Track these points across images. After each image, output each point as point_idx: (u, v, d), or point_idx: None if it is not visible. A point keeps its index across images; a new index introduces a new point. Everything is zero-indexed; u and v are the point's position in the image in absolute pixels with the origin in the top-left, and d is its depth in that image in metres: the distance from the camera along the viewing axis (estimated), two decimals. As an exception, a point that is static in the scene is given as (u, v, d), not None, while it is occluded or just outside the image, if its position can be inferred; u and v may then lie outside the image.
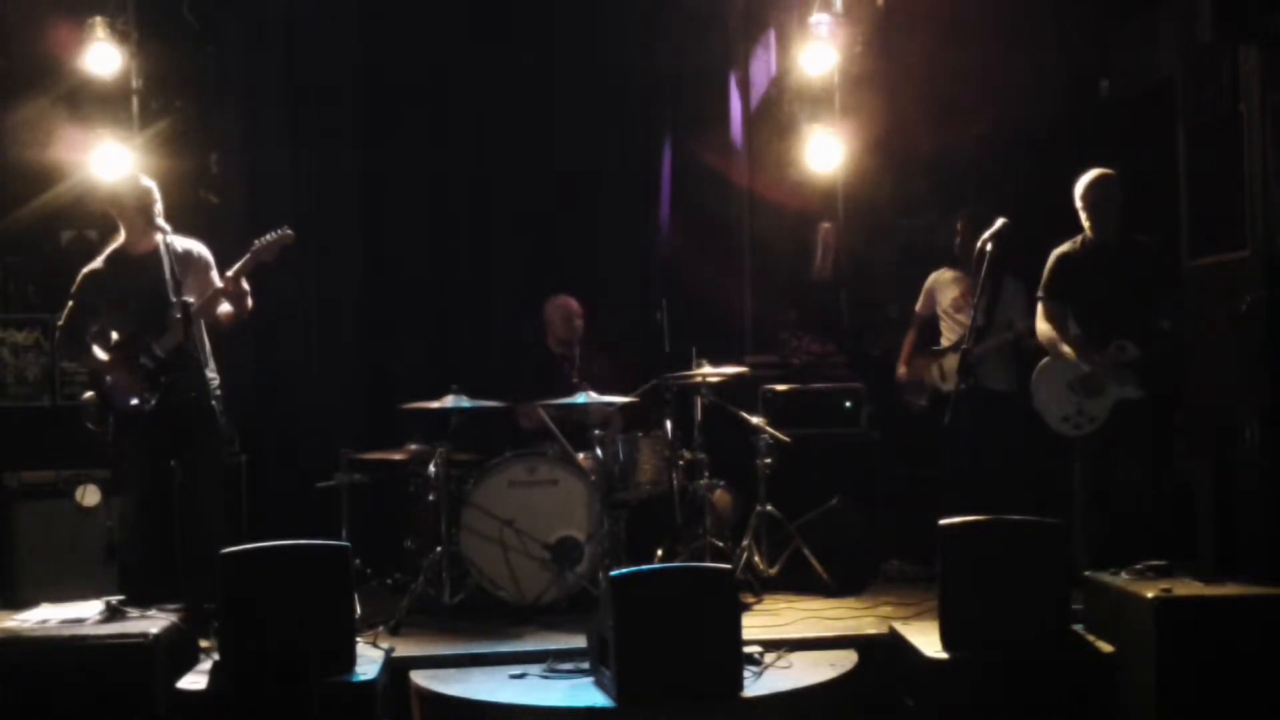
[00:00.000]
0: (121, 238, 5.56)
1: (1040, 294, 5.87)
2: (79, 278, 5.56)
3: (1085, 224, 5.71)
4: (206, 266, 5.56)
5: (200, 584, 5.05)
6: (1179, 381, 6.04)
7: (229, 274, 5.41)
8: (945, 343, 6.67)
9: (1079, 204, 5.69)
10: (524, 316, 7.05)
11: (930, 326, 6.81)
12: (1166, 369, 5.60)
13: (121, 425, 5.45)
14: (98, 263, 5.57)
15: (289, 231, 5.49)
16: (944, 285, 6.72)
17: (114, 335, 5.51)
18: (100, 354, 5.48)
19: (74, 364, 6.59)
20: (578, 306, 6.78)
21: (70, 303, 5.54)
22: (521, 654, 5.11)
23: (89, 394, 5.73)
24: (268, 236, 5.46)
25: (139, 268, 5.47)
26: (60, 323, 5.59)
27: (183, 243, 5.54)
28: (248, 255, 5.44)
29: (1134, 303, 5.59)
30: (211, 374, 5.53)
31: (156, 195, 5.50)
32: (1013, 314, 6.39)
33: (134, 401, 5.38)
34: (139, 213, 5.46)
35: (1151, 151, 6.49)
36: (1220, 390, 5.98)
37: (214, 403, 5.34)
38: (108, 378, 5.45)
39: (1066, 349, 5.70)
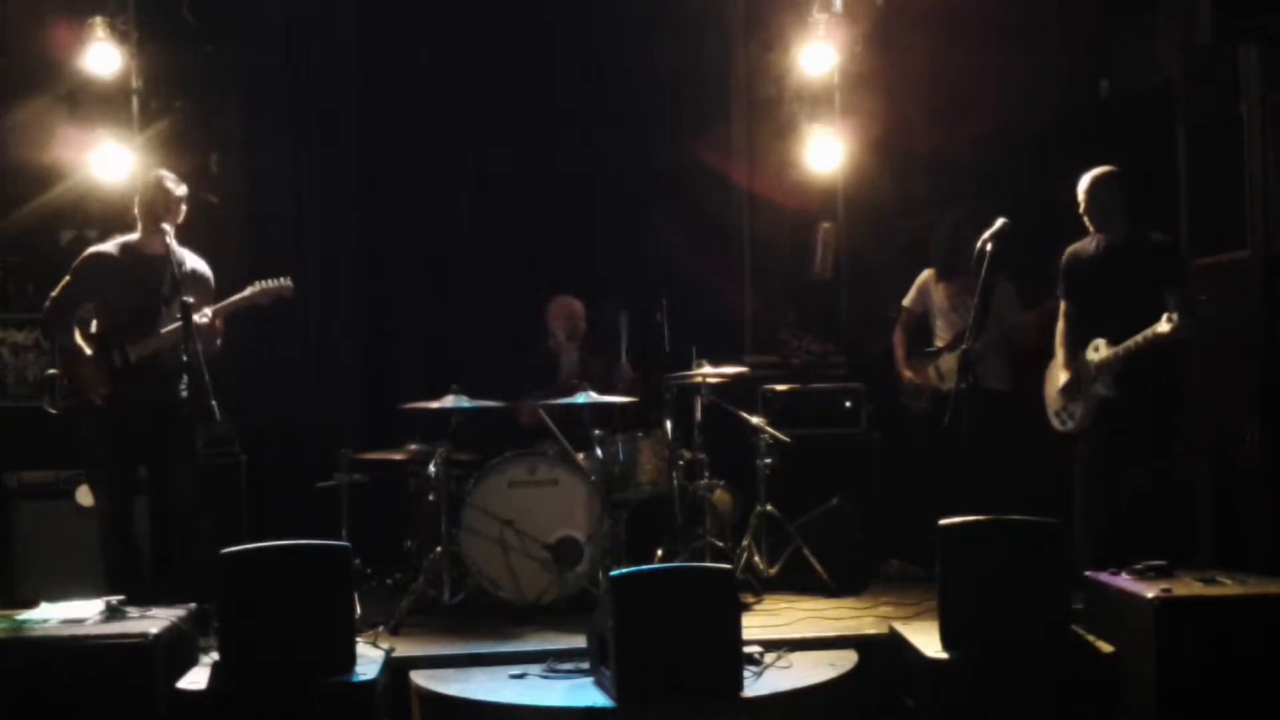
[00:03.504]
0: (137, 232, 5.56)
1: (1059, 293, 5.86)
2: (84, 255, 5.55)
3: (1089, 223, 5.69)
4: (208, 291, 5.52)
5: (181, 585, 5.06)
6: (1178, 381, 6.03)
7: (211, 311, 5.38)
8: (940, 343, 6.66)
9: (1081, 202, 5.67)
10: (524, 316, 7.05)
11: (919, 325, 6.79)
12: (1151, 368, 5.55)
13: (89, 421, 5.38)
14: (108, 246, 5.57)
15: (288, 283, 5.53)
16: (935, 285, 6.70)
17: (94, 324, 5.45)
18: (78, 339, 5.43)
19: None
20: (580, 307, 6.79)
21: (68, 277, 5.50)
22: (521, 654, 5.11)
23: (51, 371, 5.63)
24: (266, 284, 5.48)
25: (143, 266, 5.45)
26: (54, 293, 5.51)
27: (192, 259, 5.54)
28: (242, 295, 5.46)
29: (1145, 300, 5.57)
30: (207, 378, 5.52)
31: (166, 197, 5.45)
32: (1003, 312, 6.38)
33: (90, 396, 5.33)
34: (144, 210, 5.48)
35: (1151, 151, 6.48)
36: (1220, 390, 5.97)
37: (185, 408, 5.30)
38: (75, 366, 5.39)
39: (1061, 355, 5.71)
